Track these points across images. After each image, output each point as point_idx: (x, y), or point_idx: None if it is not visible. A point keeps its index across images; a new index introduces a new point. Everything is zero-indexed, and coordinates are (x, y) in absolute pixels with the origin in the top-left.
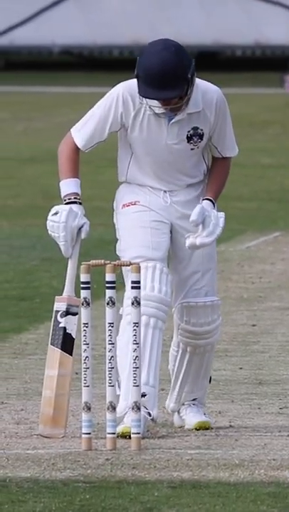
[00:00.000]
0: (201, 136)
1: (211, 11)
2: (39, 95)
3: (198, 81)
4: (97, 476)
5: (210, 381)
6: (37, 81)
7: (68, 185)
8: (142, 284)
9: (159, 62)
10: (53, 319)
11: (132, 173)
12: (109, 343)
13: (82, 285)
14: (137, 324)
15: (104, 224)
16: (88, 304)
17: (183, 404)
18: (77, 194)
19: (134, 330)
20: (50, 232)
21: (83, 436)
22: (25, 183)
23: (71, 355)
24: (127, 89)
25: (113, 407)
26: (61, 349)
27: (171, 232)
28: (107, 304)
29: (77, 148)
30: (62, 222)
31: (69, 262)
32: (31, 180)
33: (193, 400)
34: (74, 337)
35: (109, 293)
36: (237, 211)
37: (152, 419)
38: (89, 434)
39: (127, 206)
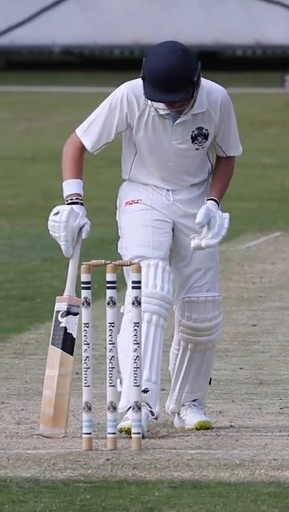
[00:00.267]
0: (205, 136)
1: (212, 10)
2: (40, 95)
3: (203, 81)
4: (97, 476)
5: (210, 382)
6: (38, 81)
7: (71, 186)
8: (144, 282)
9: (166, 66)
10: (53, 319)
11: (135, 172)
12: (110, 343)
13: (82, 285)
14: (137, 324)
15: (104, 224)
16: (89, 304)
17: (183, 405)
18: (79, 195)
19: (135, 330)
20: (51, 232)
21: (84, 436)
22: (25, 183)
23: (72, 355)
24: (132, 89)
25: (114, 407)
26: (62, 349)
27: (173, 230)
28: (108, 303)
29: (82, 149)
30: (63, 222)
31: (70, 262)
32: (32, 180)
33: (194, 400)
34: (75, 337)
35: (109, 293)
36: (237, 211)
37: (155, 418)
38: (89, 434)
39: (130, 204)
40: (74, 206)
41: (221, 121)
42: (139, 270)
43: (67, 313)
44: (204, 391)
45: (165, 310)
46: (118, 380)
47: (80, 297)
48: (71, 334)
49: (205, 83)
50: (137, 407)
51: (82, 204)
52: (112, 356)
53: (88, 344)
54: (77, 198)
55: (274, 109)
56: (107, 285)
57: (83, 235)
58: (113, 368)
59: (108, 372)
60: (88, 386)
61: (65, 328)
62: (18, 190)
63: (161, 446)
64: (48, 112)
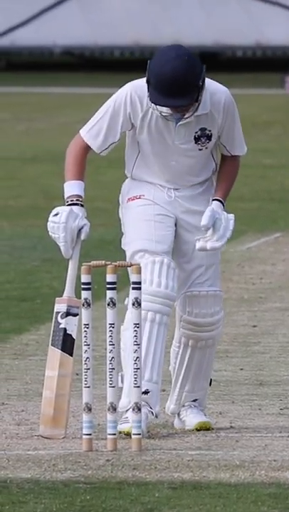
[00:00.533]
0: (209, 137)
1: (212, 11)
2: (40, 96)
3: (206, 82)
4: (97, 476)
5: (210, 383)
6: (38, 82)
7: (72, 187)
8: (148, 279)
9: (172, 71)
10: (53, 320)
11: (138, 171)
12: (110, 344)
13: (82, 286)
14: (137, 325)
15: (104, 224)
16: (89, 305)
17: (183, 405)
18: (79, 196)
19: (135, 331)
20: (50, 233)
21: (84, 437)
22: (26, 184)
23: (71, 355)
24: (135, 90)
25: (114, 408)
26: (61, 350)
27: (175, 225)
28: (108, 304)
29: (85, 150)
30: (62, 222)
31: (69, 263)
32: (32, 181)
33: (194, 400)
34: (74, 338)
35: (110, 294)
36: (238, 211)
37: (155, 416)
38: (89, 435)
39: (132, 200)
40: (74, 207)
41: (225, 122)
42: (139, 271)
43: (67, 314)
44: (204, 391)
45: (169, 307)
46: (120, 376)
47: (79, 298)
48: (71, 335)
49: (209, 84)
50: (137, 408)
51: (82, 205)
52: (112, 357)
53: (88, 345)
54: (77, 200)
55: (274, 110)
56: (108, 286)
57: (82, 236)
58: (113, 368)
59: (108, 373)
60: (88, 387)
61: (65, 329)
62: (18, 191)
63: (161, 447)
64: (49, 112)
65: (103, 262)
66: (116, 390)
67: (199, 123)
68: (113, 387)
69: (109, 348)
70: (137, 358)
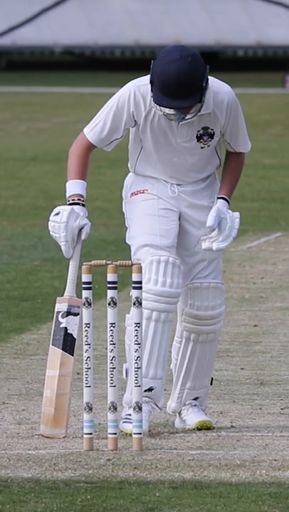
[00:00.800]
0: (211, 136)
1: (213, 11)
2: (41, 95)
3: (210, 81)
4: (98, 476)
5: (211, 383)
6: (39, 81)
7: (74, 187)
8: (153, 279)
9: (176, 72)
10: (54, 320)
11: (141, 166)
12: (111, 344)
13: (83, 285)
14: (138, 324)
15: (105, 224)
16: (90, 305)
17: (184, 404)
18: (81, 196)
19: (136, 330)
20: (51, 233)
21: (85, 436)
22: (27, 184)
23: (72, 355)
24: (138, 89)
25: (114, 408)
26: (62, 349)
27: (179, 219)
28: (109, 304)
29: (88, 149)
30: (63, 222)
31: (70, 263)
32: (33, 181)
33: (195, 399)
34: (75, 337)
35: (110, 293)
36: (239, 211)
37: (160, 409)
38: (90, 434)
39: (136, 195)
40: (75, 207)
41: (228, 121)
42: (139, 270)
43: (68, 313)
44: (206, 389)
45: (173, 304)
46: (124, 368)
47: (80, 298)
48: (72, 334)
49: (212, 83)
50: (138, 408)
51: (83, 205)
52: (113, 356)
53: (89, 344)
54: (78, 199)
55: (275, 110)
56: (108, 285)
57: (83, 236)
58: (114, 368)
59: (109, 373)
60: (89, 386)
61: (66, 329)
62: (19, 191)
63: (162, 447)
64: (50, 112)
65: (104, 261)
66: (117, 390)
67: (202, 122)
68: (114, 386)
69: (110, 347)
70: (138, 357)
